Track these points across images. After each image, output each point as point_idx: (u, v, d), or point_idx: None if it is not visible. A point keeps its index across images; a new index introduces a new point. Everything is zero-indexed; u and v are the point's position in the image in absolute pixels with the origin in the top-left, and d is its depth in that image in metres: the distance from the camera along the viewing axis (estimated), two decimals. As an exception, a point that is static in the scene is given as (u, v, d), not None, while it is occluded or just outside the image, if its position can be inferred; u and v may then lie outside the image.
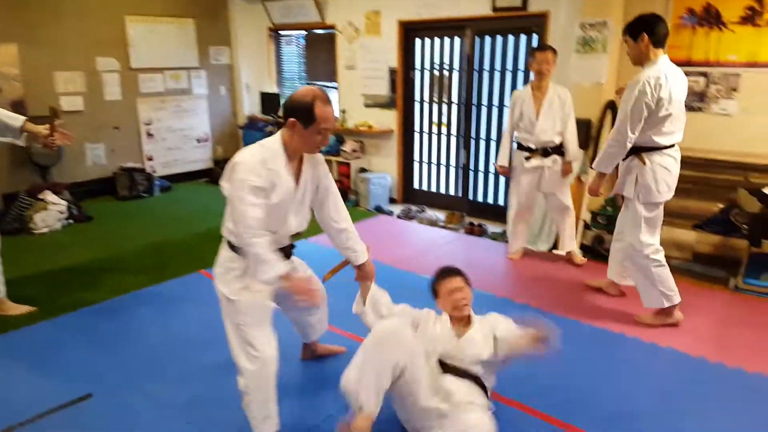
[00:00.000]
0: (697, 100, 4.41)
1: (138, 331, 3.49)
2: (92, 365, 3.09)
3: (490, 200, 6.08)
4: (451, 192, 6.41)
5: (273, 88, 7.94)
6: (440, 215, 5.99)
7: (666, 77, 3.09)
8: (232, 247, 2.32)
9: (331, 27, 6.81)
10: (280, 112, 7.08)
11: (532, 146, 4.29)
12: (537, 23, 5.18)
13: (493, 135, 5.83)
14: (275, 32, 7.69)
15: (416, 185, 6.73)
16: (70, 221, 5.70)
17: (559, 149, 4.28)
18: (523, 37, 5.40)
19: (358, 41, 6.58)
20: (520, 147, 4.38)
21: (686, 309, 3.46)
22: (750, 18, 4.12)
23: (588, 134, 4.60)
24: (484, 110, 5.84)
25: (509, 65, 5.55)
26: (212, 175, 7.70)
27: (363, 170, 6.72)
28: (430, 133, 6.43)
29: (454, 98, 6.07)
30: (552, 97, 4.19)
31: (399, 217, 6.09)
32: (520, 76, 5.49)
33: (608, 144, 3.29)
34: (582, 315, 3.63)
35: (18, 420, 2.60)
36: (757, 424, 2.59)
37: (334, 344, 3.16)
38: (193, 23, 7.28)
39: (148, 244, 5.12)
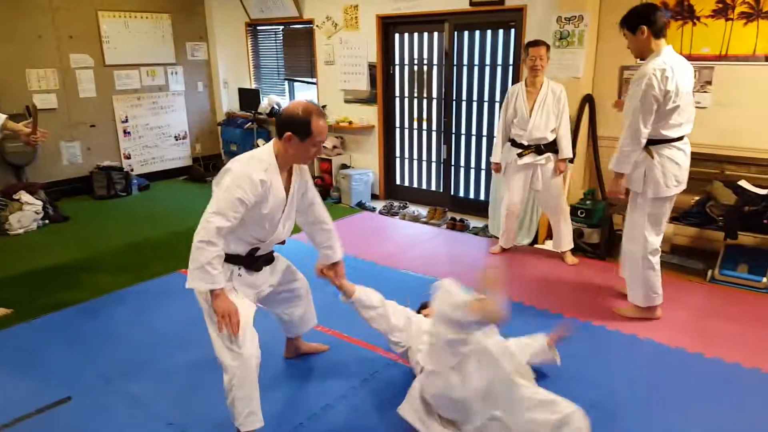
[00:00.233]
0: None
1: (118, 331, 3.45)
2: (71, 367, 3.05)
3: (472, 195, 6.11)
4: (433, 187, 6.42)
5: (251, 84, 7.87)
6: (422, 211, 5.99)
7: (672, 69, 3.03)
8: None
9: (309, 21, 6.77)
10: (265, 115, 7.13)
11: (525, 143, 4.26)
12: (514, 18, 5.20)
13: (474, 130, 5.85)
14: (252, 27, 7.62)
15: (398, 181, 6.72)
16: (46, 222, 5.60)
17: (552, 146, 4.26)
18: (500, 32, 5.42)
19: (337, 36, 6.54)
20: (513, 143, 4.34)
21: (665, 301, 3.50)
22: (722, 11, 4.18)
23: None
24: (464, 105, 5.85)
25: (488, 60, 5.57)
26: (191, 172, 7.62)
27: (344, 166, 6.69)
28: (411, 129, 6.43)
29: (434, 93, 6.07)
30: (546, 93, 4.17)
31: (381, 213, 6.08)
32: (499, 70, 5.51)
33: (623, 143, 3.21)
34: (564, 309, 3.67)
35: (-4, 425, 2.56)
36: (734, 412, 2.64)
37: (317, 342, 3.18)
38: (169, 18, 7.18)
39: (126, 243, 5.06)
